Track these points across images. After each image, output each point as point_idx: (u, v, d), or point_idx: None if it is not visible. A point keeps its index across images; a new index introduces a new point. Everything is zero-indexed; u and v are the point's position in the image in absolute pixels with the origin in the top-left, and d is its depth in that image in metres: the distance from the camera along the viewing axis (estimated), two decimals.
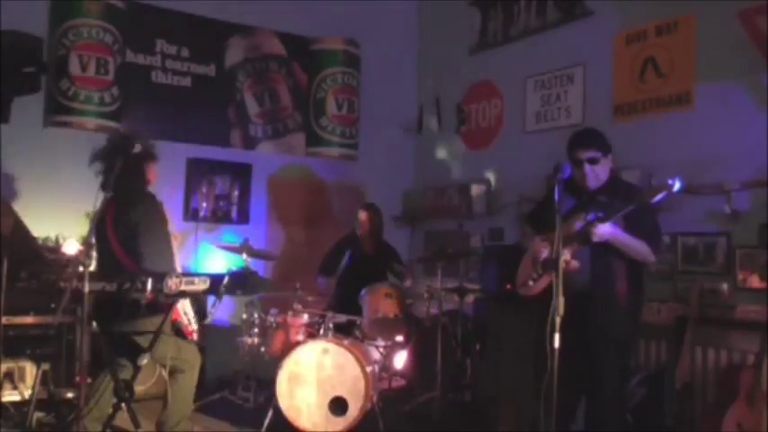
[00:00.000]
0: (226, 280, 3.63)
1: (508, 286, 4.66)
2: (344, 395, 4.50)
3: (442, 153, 7.47)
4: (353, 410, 4.48)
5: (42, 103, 5.95)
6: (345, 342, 4.68)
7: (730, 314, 4.50)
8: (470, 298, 5.76)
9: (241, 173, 6.93)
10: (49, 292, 4.03)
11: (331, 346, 4.57)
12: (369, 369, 4.59)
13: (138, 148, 3.77)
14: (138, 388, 4.05)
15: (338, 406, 4.51)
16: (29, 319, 4.60)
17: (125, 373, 3.86)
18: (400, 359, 5.35)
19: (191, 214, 6.59)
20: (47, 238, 5.40)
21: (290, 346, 4.81)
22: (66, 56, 5.93)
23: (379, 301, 5.17)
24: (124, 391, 3.77)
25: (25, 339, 4.55)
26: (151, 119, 6.39)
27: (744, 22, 4.76)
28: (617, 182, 3.66)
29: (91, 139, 4.48)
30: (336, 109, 7.27)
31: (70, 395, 4.54)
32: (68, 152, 5.49)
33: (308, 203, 7.32)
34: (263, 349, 5.29)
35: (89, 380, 3.68)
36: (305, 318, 5.08)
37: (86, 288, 3.19)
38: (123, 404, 3.75)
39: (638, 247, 3.41)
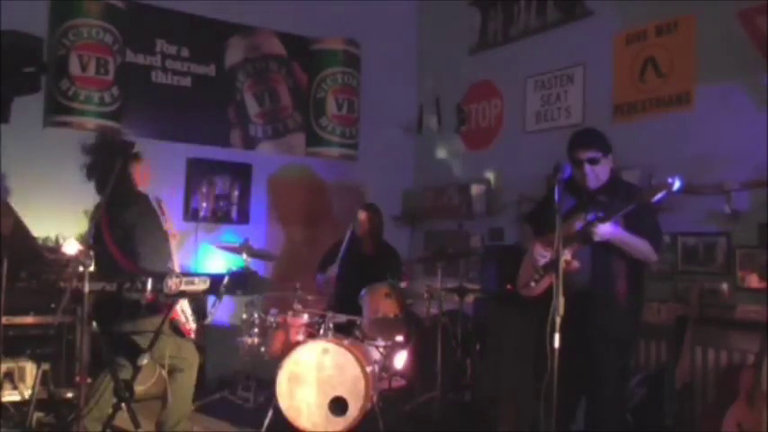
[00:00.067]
0: (226, 280, 3.63)
1: (508, 286, 4.68)
2: (344, 395, 4.50)
3: (441, 153, 7.47)
4: (353, 410, 4.48)
5: (42, 103, 5.95)
6: (345, 342, 4.68)
7: (730, 314, 4.49)
8: (470, 298, 5.76)
9: (241, 173, 6.93)
10: (49, 292, 4.05)
11: (331, 346, 4.57)
12: (369, 369, 4.59)
13: (120, 149, 3.79)
14: (138, 388, 4.04)
15: (338, 406, 4.51)
16: (29, 319, 4.61)
17: (125, 373, 3.86)
18: (400, 359, 5.34)
19: (191, 214, 6.59)
20: (47, 238, 5.41)
21: (290, 346, 4.81)
22: (66, 56, 5.93)
23: (379, 301, 5.16)
24: (124, 391, 3.76)
25: (25, 339, 4.55)
26: (151, 119, 6.41)
27: (744, 22, 4.76)
28: (617, 182, 3.65)
29: (91, 140, 4.47)
30: (336, 109, 7.27)
31: (70, 395, 4.55)
32: (68, 152, 5.37)
33: (307, 203, 7.32)
34: (263, 349, 5.30)
35: (89, 380, 3.68)
36: (305, 318, 5.08)
37: (86, 288, 3.19)
38: (123, 404, 3.74)
39: (639, 245, 3.39)
